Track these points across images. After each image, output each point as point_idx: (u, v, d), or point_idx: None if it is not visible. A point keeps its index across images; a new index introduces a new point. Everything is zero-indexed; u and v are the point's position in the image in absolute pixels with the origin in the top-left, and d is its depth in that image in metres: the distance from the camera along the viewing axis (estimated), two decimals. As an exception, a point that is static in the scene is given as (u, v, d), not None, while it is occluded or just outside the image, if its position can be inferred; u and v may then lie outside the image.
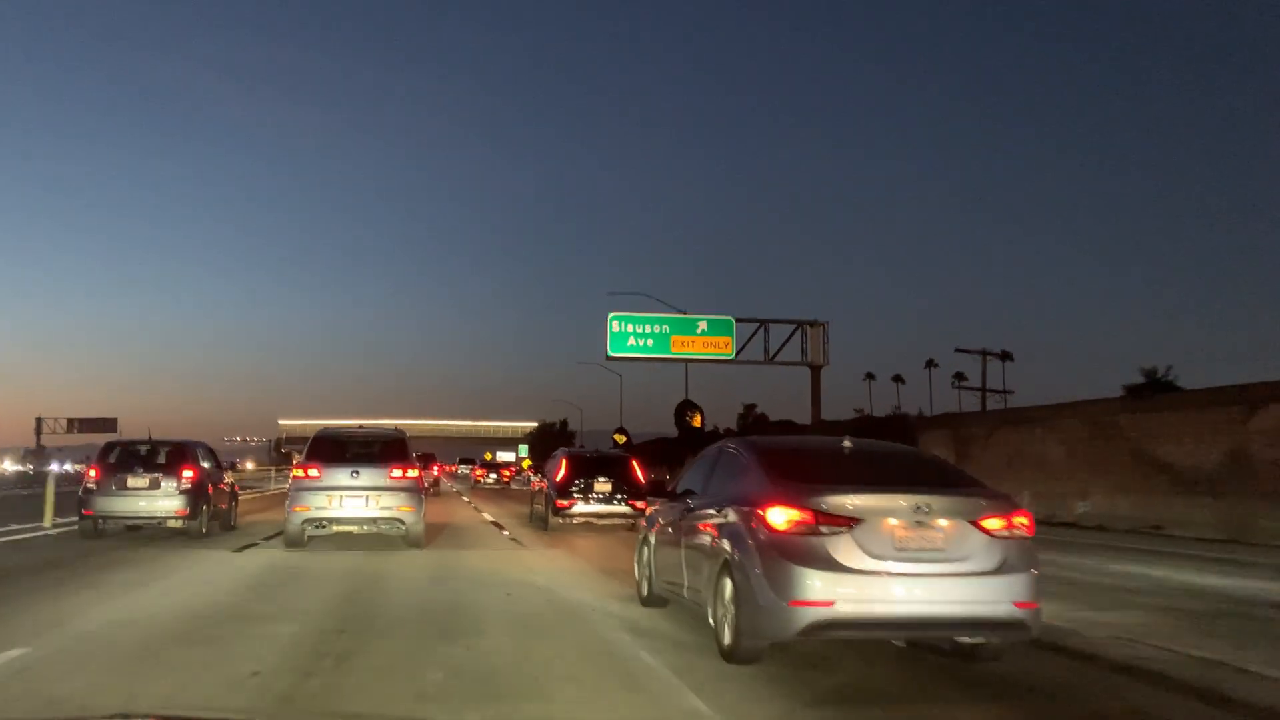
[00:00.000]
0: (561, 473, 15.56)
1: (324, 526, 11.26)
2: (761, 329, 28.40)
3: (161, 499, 12.25)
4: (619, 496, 15.38)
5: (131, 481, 12.32)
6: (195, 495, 12.45)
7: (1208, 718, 4.46)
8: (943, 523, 4.94)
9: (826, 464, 5.58)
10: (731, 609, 5.21)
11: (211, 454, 14.12)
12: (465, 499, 27.88)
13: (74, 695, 4.42)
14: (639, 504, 14.60)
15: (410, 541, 11.33)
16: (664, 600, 7.05)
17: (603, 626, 6.41)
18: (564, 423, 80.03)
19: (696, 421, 43.79)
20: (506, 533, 14.73)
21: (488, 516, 18.96)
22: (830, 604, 4.77)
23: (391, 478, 11.24)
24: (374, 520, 11.19)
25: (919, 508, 4.94)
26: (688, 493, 6.78)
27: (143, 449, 13.22)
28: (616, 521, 15.40)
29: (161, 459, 12.75)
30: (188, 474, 12.47)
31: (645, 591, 7.41)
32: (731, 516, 5.51)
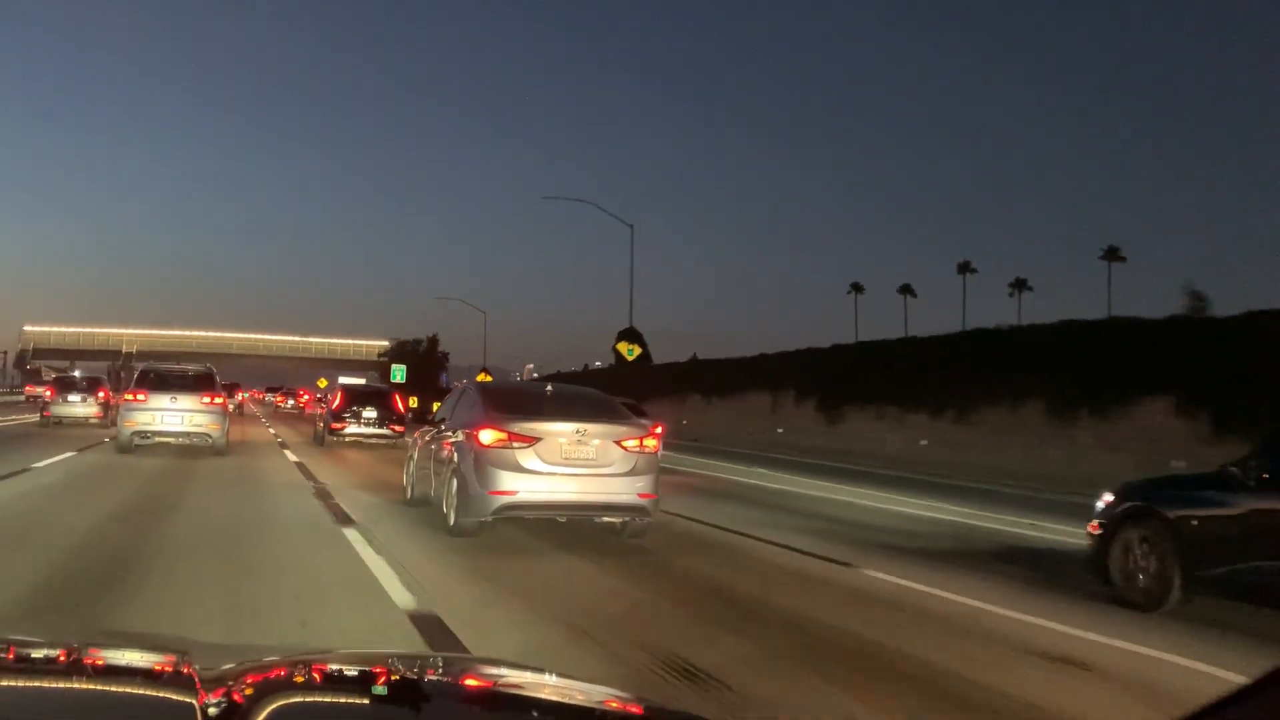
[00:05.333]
0: (337, 401, 21.80)
1: (148, 437, 16.20)
2: None
3: (84, 408, 23.92)
4: (383, 421, 21.47)
5: (72, 397, 24.07)
6: (106, 405, 23.80)
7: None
8: (595, 442, 8.31)
9: (528, 401, 8.84)
10: (455, 499, 8.44)
11: (112, 381, 28.20)
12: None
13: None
14: (398, 428, 21.38)
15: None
16: (425, 501, 10.15)
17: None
18: (433, 339, 68.63)
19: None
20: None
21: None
22: (515, 493, 8.07)
23: (202, 402, 16.18)
24: (188, 434, 16.18)
25: (579, 431, 8.28)
26: (442, 420, 9.92)
27: (76, 378, 25.59)
28: (380, 441, 21.26)
29: (85, 385, 24.55)
30: (101, 394, 24.33)
31: (409, 495, 10.57)
32: (460, 436, 8.70)
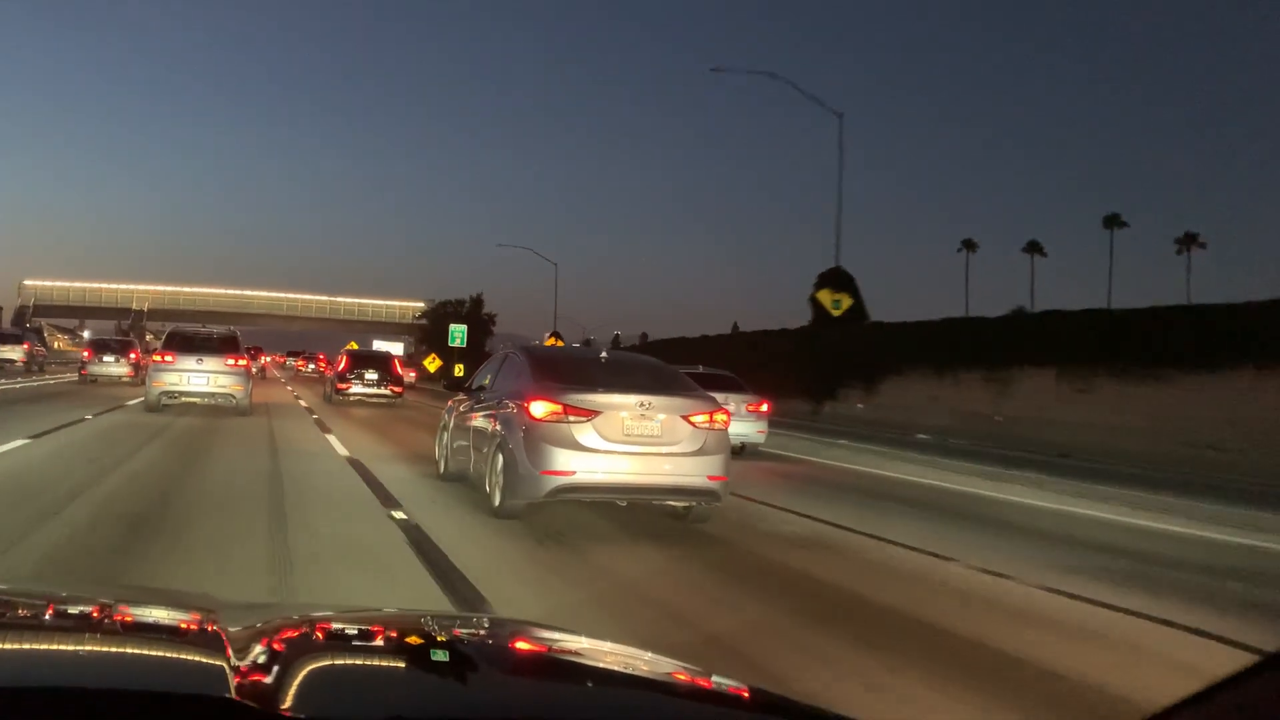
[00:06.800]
0: (342, 364, 25.54)
1: (175, 397, 17.70)
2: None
3: (118, 367, 27.55)
4: (383, 383, 24.87)
5: (107, 358, 28.06)
6: (136, 365, 27.12)
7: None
8: (661, 417, 7.58)
9: (582, 370, 8.07)
10: (501, 477, 7.75)
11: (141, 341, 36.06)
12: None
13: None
14: (397, 389, 25.21)
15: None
16: (462, 477, 9.39)
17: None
18: (477, 299, 65.03)
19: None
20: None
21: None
22: (572, 473, 7.37)
23: (226, 364, 17.50)
24: (212, 395, 17.61)
25: (643, 404, 7.55)
26: (481, 388, 9.16)
27: (111, 340, 31.08)
28: (380, 401, 24.92)
29: (118, 346, 29.19)
30: (132, 355, 28.03)
31: (443, 469, 9.88)
32: (507, 408, 7.95)
